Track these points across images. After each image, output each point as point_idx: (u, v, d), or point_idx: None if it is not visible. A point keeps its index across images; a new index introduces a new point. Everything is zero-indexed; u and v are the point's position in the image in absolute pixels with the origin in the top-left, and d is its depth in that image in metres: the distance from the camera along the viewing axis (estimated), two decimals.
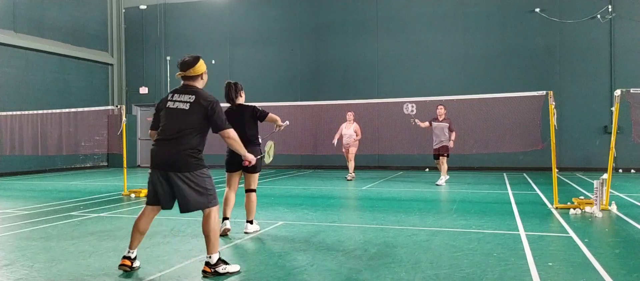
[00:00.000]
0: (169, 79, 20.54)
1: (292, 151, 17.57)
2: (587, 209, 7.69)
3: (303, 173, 16.74)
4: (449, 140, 12.30)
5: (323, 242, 5.86)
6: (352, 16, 18.52)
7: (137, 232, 4.56)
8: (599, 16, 15.98)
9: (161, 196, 4.44)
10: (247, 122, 6.26)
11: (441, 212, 8.12)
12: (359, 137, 13.98)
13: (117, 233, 6.58)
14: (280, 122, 6.64)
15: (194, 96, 4.38)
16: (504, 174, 15.25)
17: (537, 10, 16.56)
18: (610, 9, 15.91)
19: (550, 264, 4.77)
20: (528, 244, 5.61)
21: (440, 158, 12.39)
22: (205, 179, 4.40)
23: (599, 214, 7.43)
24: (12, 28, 17.21)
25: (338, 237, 6.15)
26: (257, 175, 6.36)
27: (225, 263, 4.48)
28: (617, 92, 8.05)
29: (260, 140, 6.45)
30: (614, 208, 7.93)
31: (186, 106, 4.35)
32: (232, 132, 4.47)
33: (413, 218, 7.51)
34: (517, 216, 7.50)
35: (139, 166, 20.76)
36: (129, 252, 4.57)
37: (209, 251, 4.42)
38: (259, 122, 6.44)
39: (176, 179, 4.31)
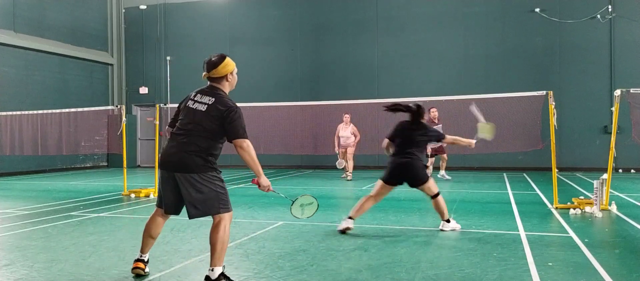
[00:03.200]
0: (169, 79, 20.53)
1: (292, 151, 17.57)
2: (587, 209, 7.69)
3: (303, 173, 16.74)
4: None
5: (323, 242, 5.86)
6: (352, 16, 18.52)
7: (148, 236, 4.39)
8: (599, 16, 15.98)
9: (166, 201, 4.22)
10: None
11: None
12: (358, 138, 14.04)
13: (117, 233, 6.58)
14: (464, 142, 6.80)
15: (214, 99, 4.08)
16: (504, 174, 15.24)
17: (537, 10, 16.56)
18: (610, 9, 15.90)
19: (550, 264, 4.77)
20: (528, 244, 5.61)
21: (442, 155, 13.30)
22: (214, 182, 4.05)
23: (599, 214, 7.43)
24: (12, 28, 17.21)
25: (338, 237, 6.15)
26: (428, 184, 6.41)
27: (229, 279, 4.05)
28: (617, 92, 8.04)
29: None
30: (614, 208, 7.93)
31: (204, 108, 4.06)
32: (246, 144, 4.03)
33: (413, 218, 7.51)
34: (517, 216, 7.50)
35: (139, 166, 20.75)
36: (141, 256, 4.44)
37: (213, 264, 4.00)
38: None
39: (183, 181, 4.01)
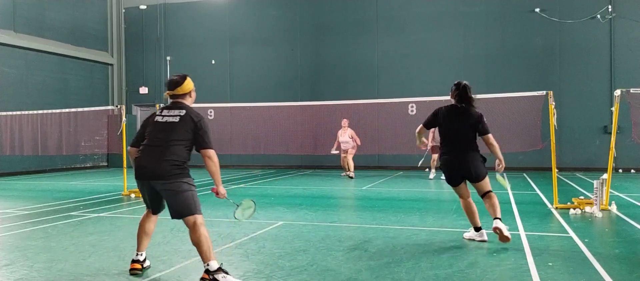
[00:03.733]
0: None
1: (292, 151, 17.57)
2: (587, 209, 7.68)
3: (303, 173, 16.74)
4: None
5: (323, 242, 5.86)
6: (352, 16, 18.52)
7: (142, 233, 4.60)
8: (599, 16, 15.98)
9: (149, 201, 4.52)
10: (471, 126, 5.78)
11: (441, 212, 8.11)
12: (358, 142, 14.32)
13: (117, 233, 6.58)
14: (498, 155, 5.97)
15: (184, 111, 4.41)
16: (504, 174, 15.21)
17: (537, 10, 16.56)
18: (610, 9, 15.91)
19: (550, 264, 4.77)
20: (528, 244, 5.61)
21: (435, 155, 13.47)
22: (188, 186, 4.31)
23: (599, 214, 7.43)
24: (12, 28, 17.21)
25: (338, 237, 6.15)
26: (484, 181, 5.80)
27: (226, 273, 4.25)
28: (617, 92, 8.05)
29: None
30: (614, 208, 7.93)
31: (177, 119, 4.36)
32: (213, 154, 4.34)
33: (413, 218, 7.51)
34: (517, 216, 7.50)
35: None
36: (137, 255, 4.60)
37: (205, 260, 4.24)
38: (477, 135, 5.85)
39: (160, 187, 4.30)
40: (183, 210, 4.27)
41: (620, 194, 9.84)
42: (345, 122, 14.38)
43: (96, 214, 8.06)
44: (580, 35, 16.31)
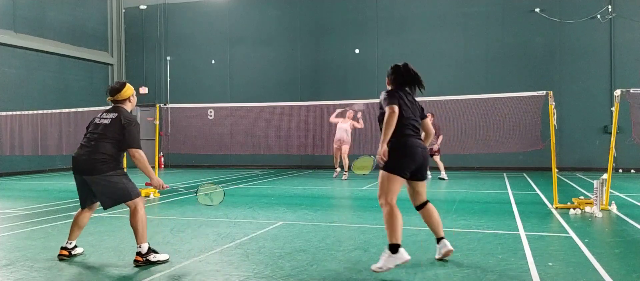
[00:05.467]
0: (169, 79, 20.54)
1: (292, 151, 17.57)
2: (587, 209, 7.69)
3: (303, 173, 16.74)
4: (437, 143, 13.39)
5: (323, 242, 5.86)
6: (352, 16, 18.52)
7: (75, 225, 5.16)
8: (599, 16, 15.98)
9: (80, 196, 5.08)
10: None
11: (441, 212, 8.03)
12: (361, 125, 13.48)
13: (117, 233, 6.58)
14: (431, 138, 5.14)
15: (117, 114, 5.00)
16: (504, 174, 15.24)
17: (537, 10, 16.56)
18: (610, 9, 15.91)
19: (550, 264, 4.77)
20: (528, 244, 5.61)
21: (434, 157, 13.32)
22: (119, 177, 4.90)
23: (599, 214, 7.43)
24: (12, 28, 17.20)
25: (338, 237, 6.15)
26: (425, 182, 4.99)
27: (155, 252, 4.91)
28: (617, 92, 8.04)
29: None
30: (614, 208, 7.93)
31: (108, 121, 4.97)
32: (139, 154, 4.87)
33: (413, 218, 7.49)
34: (517, 216, 7.50)
35: None
36: (67, 243, 5.14)
37: (139, 242, 4.83)
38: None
39: (92, 182, 4.87)
40: (121, 198, 4.87)
41: (620, 194, 9.84)
42: (350, 114, 13.53)
43: (96, 214, 8.05)
44: (580, 35, 16.31)
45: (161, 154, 19.57)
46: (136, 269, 4.72)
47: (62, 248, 5.14)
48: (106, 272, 4.66)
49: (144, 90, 21.04)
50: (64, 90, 18.95)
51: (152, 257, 4.83)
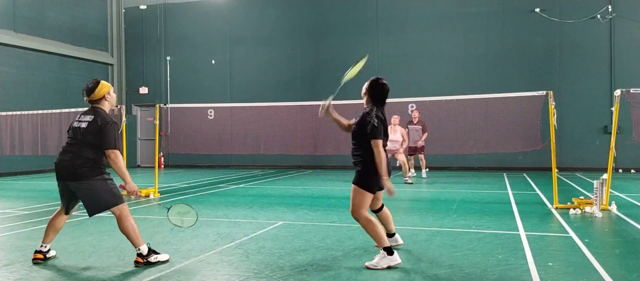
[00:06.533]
0: (169, 79, 20.54)
1: (292, 151, 17.57)
2: (587, 209, 7.68)
3: (303, 173, 16.74)
4: (421, 139, 13.47)
5: (323, 242, 5.86)
6: (352, 16, 18.52)
7: (50, 228, 5.03)
8: (599, 16, 15.98)
9: (63, 202, 4.95)
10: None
11: (441, 212, 8.11)
12: (406, 140, 12.79)
13: (117, 233, 6.55)
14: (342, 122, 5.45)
15: (94, 116, 4.84)
16: (504, 174, 15.24)
17: (537, 10, 16.56)
18: (610, 9, 15.91)
19: (550, 264, 4.77)
20: (528, 244, 5.61)
21: (419, 155, 13.60)
22: (104, 183, 4.75)
23: (599, 214, 7.43)
24: (12, 28, 17.20)
25: (338, 237, 6.15)
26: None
27: (156, 252, 4.90)
28: (617, 92, 8.05)
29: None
30: (614, 208, 7.93)
31: (85, 125, 4.81)
32: (114, 154, 4.73)
33: (413, 218, 7.50)
34: (517, 216, 7.50)
35: (139, 166, 20.74)
36: (41, 246, 5.03)
37: (136, 245, 4.80)
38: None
39: (76, 188, 4.75)
40: (105, 205, 4.75)
41: (620, 194, 9.84)
42: (395, 119, 12.50)
43: (96, 214, 8.05)
44: (580, 35, 16.31)
45: (161, 154, 19.57)
46: (136, 269, 4.73)
47: (37, 252, 5.01)
48: (106, 272, 4.66)
49: (144, 90, 21.04)
50: (64, 90, 18.95)
51: (153, 258, 4.82)
